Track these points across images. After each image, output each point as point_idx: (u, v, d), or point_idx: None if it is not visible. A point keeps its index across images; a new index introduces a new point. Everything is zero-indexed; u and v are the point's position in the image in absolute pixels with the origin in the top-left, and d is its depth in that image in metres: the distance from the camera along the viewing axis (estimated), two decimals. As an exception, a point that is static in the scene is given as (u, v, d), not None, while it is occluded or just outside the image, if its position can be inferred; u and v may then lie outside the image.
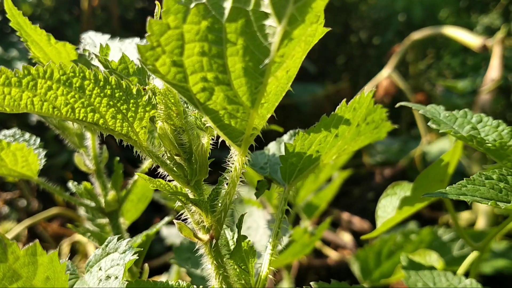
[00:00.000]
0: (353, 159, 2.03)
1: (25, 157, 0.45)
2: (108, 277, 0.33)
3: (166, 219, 0.53)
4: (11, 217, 1.76)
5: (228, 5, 0.23)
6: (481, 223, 1.22)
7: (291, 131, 0.48)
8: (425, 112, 0.41)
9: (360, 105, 0.38)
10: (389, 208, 0.51)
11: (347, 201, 2.00)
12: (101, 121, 0.28)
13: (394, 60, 1.91)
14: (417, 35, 1.90)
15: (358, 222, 1.71)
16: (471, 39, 1.62)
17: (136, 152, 0.32)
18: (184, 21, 0.23)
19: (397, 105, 0.44)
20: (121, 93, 0.28)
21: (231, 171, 0.30)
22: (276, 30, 0.22)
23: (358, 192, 2.10)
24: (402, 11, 3.03)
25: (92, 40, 0.46)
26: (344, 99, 0.37)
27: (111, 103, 0.28)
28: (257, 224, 0.58)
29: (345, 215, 1.74)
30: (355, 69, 3.34)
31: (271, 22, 0.22)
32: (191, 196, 0.30)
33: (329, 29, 0.26)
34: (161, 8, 0.25)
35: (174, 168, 0.30)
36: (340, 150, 0.42)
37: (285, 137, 0.47)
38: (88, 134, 0.47)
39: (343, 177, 1.15)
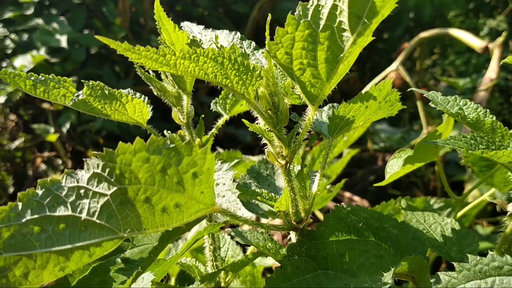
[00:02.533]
0: (358, 145, 2.22)
1: (140, 109, 0.64)
2: (217, 184, 0.52)
3: (226, 166, 0.71)
4: (48, 174, 1.95)
5: (322, 22, 0.41)
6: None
7: (330, 104, 0.66)
8: (428, 95, 0.59)
9: (384, 87, 0.56)
10: (395, 166, 0.70)
11: (350, 182, 2.19)
12: (229, 84, 0.47)
13: (403, 56, 2.08)
14: (425, 34, 2.07)
15: (359, 201, 1.91)
16: (475, 41, 1.79)
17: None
18: (296, 30, 0.41)
19: (409, 90, 0.63)
20: (243, 68, 0.46)
21: (305, 120, 0.49)
22: (349, 39, 0.40)
23: (360, 175, 2.29)
24: (413, 9, 3.18)
25: (190, 28, 0.64)
26: (375, 83, 0.55)
27: (237, 73, 0.46)
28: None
29: (347, 194, 1.94)
30: (363, 61, 3.49)
31: (346, 34, 0.40)
32: (278, 134, 0.49)
33: (374, 38, 0.44)
34: (271, 17, 0.44)
35: (267, 117, 0.49)
36: (366, 118, 0.60)
37: (326, 108, 0.66)
38: (184, 96, 0.65)
39: (352, 154, 1.34)
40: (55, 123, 2.12)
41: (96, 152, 0.39)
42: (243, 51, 0.53)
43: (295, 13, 0.41)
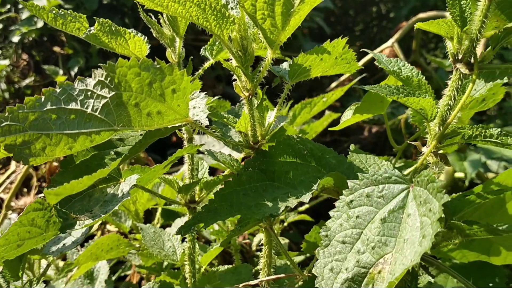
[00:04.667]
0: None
1: (140, 45, 0.77)
2: (194, 107, 0.65)
3: (202, 95, 0.85)
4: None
5: (280, -17, 0.54)
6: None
7: (295, 58, 0.79)
8: (374, 55, 0.73)
9: (337, 44, 0.69)
10: (348, 115, 0.84)
11: (336, 150, 2.33)
12: (209, 26, 0.60)
13: (399, 34, 2.18)
14: (422, 14, 2.17)
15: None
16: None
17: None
18: (260, -14, 0.54)
19: (361, 50, 0.76)
20: (220, 14, 0.59)
21: (265, 61, 0.62)
22: (298, -3, 0.54)
23: (347, 143, 2.43)
24: (421, -10, 3.25)
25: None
26: (328, 40, 0.68)
27: (215, 18, 0.59)
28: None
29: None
30: (369, 37, 3.58)
31: (296, -7, 0.54)
32: (244, 70, 0.62)
33: (321, 0, 0.56)
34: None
35: (237, 57, 0.62)
36: (323, 70, 0.74)
37: (291, 61, 0.79)
38: (177, 39, 0.78)
39: (334, 117, 1.47)
40: (64, 66, 2.25)
41: (101, 64, 0.53)
42: (225, 3, 0.66)
43: (260, -26, 0.54)
